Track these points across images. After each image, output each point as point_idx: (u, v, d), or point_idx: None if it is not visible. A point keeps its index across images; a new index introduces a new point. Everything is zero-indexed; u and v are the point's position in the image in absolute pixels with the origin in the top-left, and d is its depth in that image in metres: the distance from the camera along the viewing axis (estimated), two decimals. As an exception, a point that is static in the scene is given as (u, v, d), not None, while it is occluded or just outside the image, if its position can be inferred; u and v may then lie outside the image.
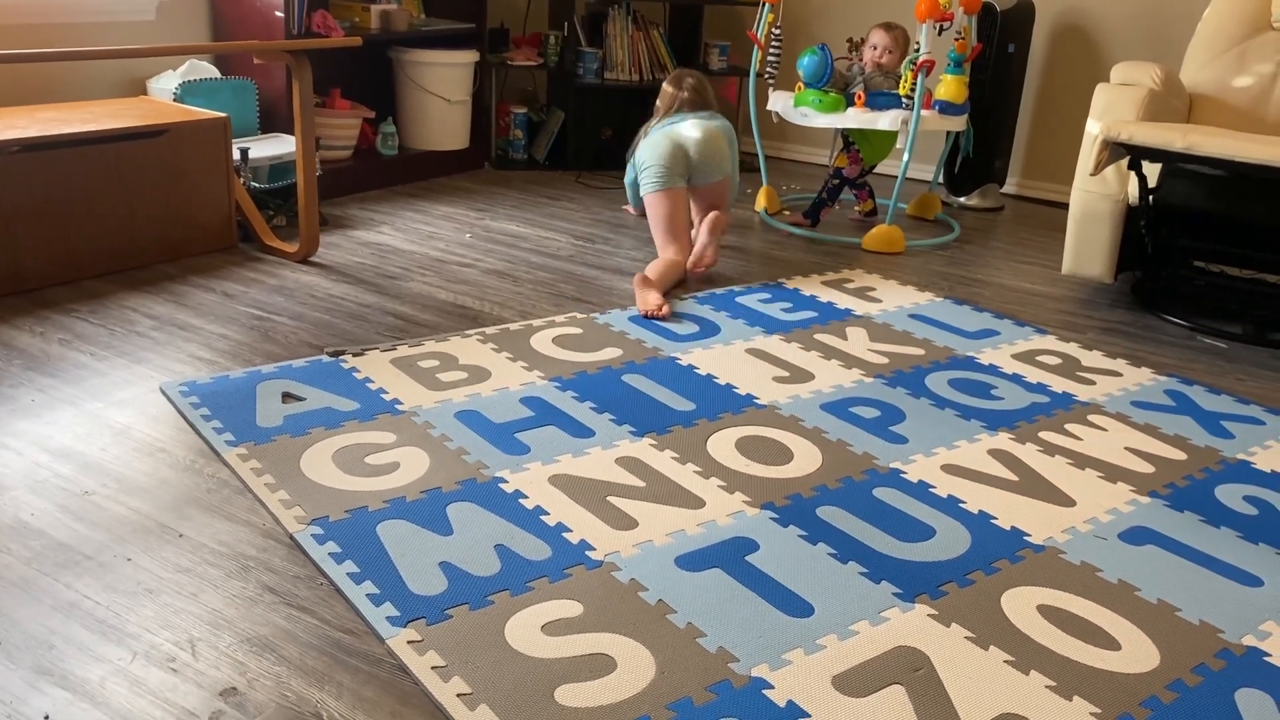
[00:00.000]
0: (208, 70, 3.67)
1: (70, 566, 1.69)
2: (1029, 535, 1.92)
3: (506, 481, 2.00)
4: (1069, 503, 2.04)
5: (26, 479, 1.95)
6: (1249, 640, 1.66)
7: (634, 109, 4.96)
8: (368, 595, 1.63)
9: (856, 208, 4.07)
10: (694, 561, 1.77)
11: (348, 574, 1.68)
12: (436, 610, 1.61)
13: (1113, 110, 3.11)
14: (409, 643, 1.53)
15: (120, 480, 1.96)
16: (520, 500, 1.93)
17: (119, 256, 3.05)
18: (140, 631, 1.55)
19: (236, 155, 3.36)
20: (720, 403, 2.39)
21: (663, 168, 3.27)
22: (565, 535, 1.83)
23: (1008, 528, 1.94)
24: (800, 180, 4.60)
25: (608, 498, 1.96)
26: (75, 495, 1.90)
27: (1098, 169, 2.98)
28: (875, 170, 4.00)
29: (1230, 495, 2.11)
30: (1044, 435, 2.32)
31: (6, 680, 1.44)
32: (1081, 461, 2.21)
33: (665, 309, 2.89)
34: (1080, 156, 3.16)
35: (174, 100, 3.45)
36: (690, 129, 3.37)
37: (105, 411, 2.22)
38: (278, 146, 3.59)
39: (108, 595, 1.63)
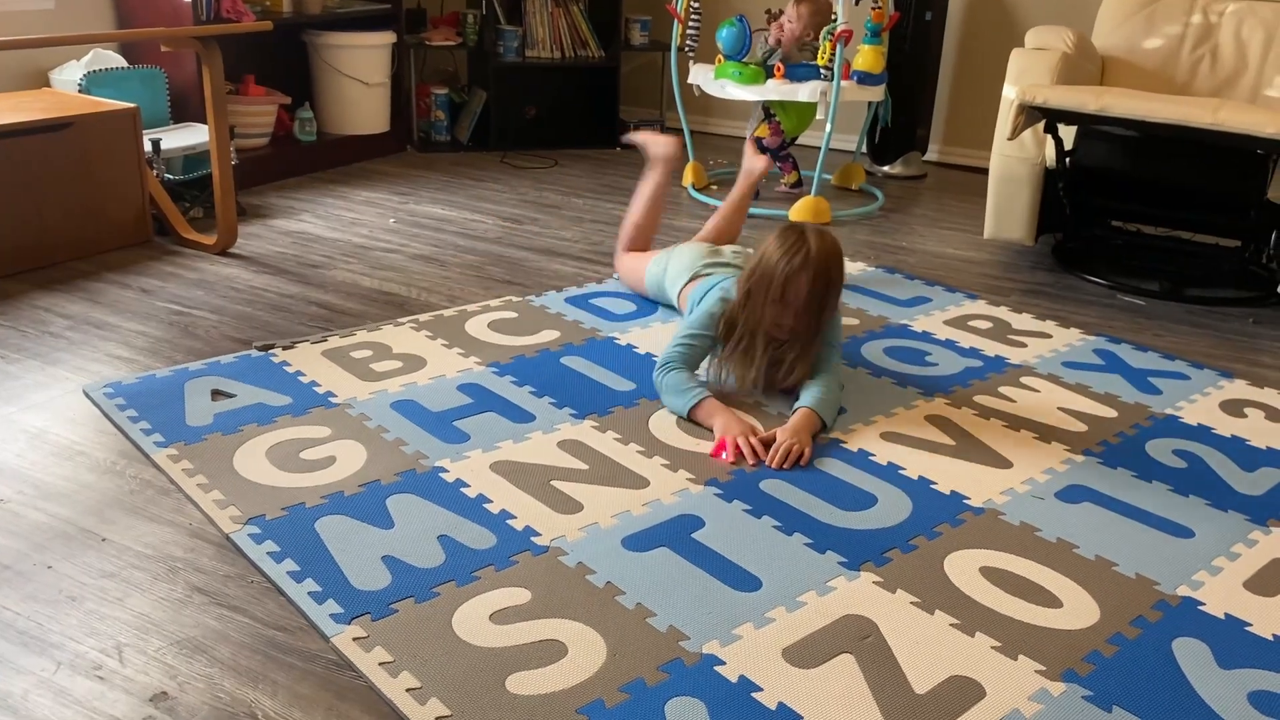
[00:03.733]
0: (114, 60, 3.54)
1: (-9, 580, 1.63)
2: (968, 498, 1.94)
3: (447, 471, 1.96)
4: (1006, 464, 2.07)
5: (-61, 491, 1.86)
6: (1183, 590, 1.70)
7: (557, 86, 4.94)
8: (309, 593, 1.59)
9: (782, 180, 4.07)
10: (641, 542, 1.76)
11: (288, 573, 1.64)
12: (381, 605, 1.57)
13: (1028, 75, 3.15)
14: (354, 639, 1.50)
15: (37, 486, 1.88)
16: (462, 489, 1.90)
17: (28, 255, 2.92)
18: (64, 640, 1.50)
19: (148, 147, 3.24)
20: (658, 380, 2.37)
21: None
22: (509, 522, 1.80)
23: (947, 492, 1.96)
24: (726, 155, 4.59)
25: (551, 482, 1.94)
26: (-7, 506, 1.82)
27: (1015, 133, 3.02)
28: (798, 142, 4.02)
29: (1160, 450, 2.16)
30: (979, 399, 2.35)
31: (-71, 703, 1.38)
32: (1016, 423, 2.25)
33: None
34: (998, 121, 3.20)
35: (79, 92, 3.31)
36: None
37: (19, 416, 2.13)
38: (191, 136, 3.48)
39: (28, 605, 1.57)
